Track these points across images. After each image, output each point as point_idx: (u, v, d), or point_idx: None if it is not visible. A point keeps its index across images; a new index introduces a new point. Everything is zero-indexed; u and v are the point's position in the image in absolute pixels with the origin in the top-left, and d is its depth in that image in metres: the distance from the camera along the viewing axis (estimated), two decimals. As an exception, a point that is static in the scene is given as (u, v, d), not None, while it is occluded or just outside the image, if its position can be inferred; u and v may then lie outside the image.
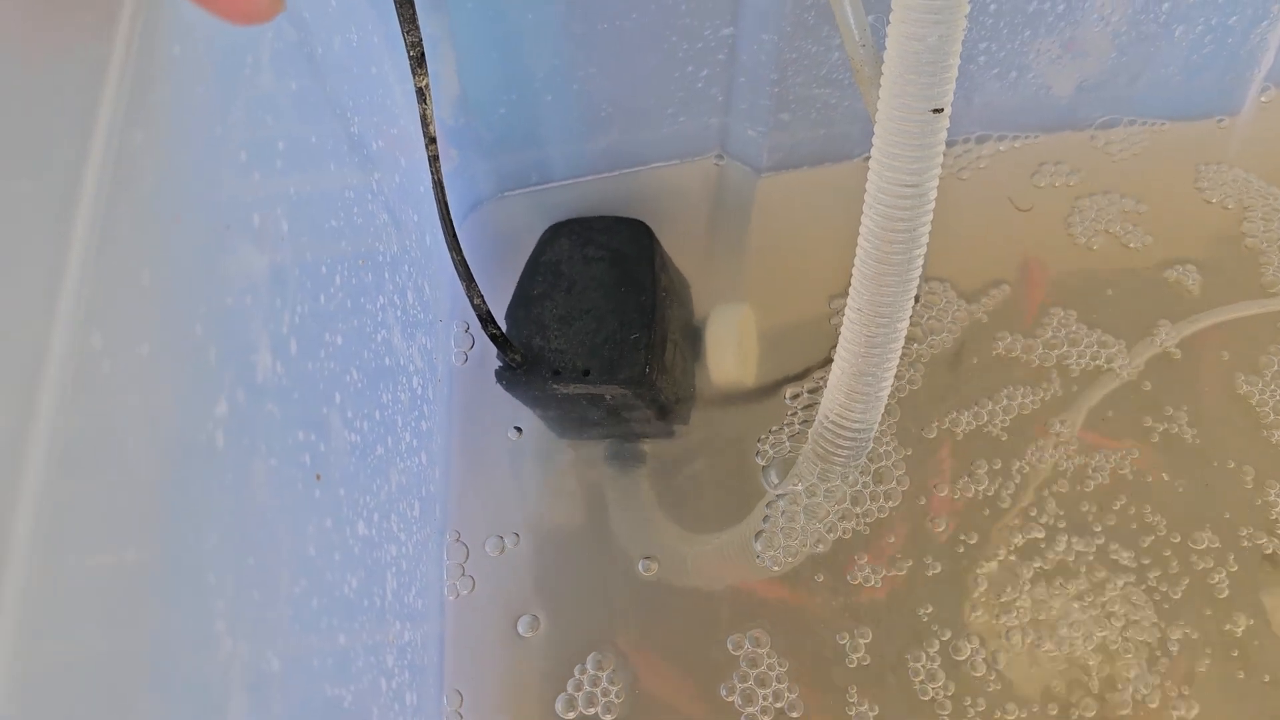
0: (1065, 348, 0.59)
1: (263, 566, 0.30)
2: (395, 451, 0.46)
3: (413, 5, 0.42)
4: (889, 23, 0.39)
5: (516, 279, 0.57)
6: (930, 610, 0.52)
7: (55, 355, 0.21)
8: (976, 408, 0.57)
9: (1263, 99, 0.67)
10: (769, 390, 0.60)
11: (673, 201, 0.65)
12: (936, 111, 0.40)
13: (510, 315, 0.56)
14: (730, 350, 0.61)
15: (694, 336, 0.61)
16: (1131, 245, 0.62)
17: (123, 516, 0.23)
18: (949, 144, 0.49)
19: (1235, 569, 0.52)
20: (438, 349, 0.57)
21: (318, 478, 0.34)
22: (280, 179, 0.34)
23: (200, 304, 0.27)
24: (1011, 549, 0.54)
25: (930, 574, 0.53)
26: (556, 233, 0.59)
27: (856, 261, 0.45)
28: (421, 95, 0.45)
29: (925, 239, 0.44)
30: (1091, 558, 0.53)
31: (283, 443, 0.31)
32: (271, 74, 0.34)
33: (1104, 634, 0.51)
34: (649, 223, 0.59)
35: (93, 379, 0.22)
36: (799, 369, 0.59)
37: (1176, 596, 0.52)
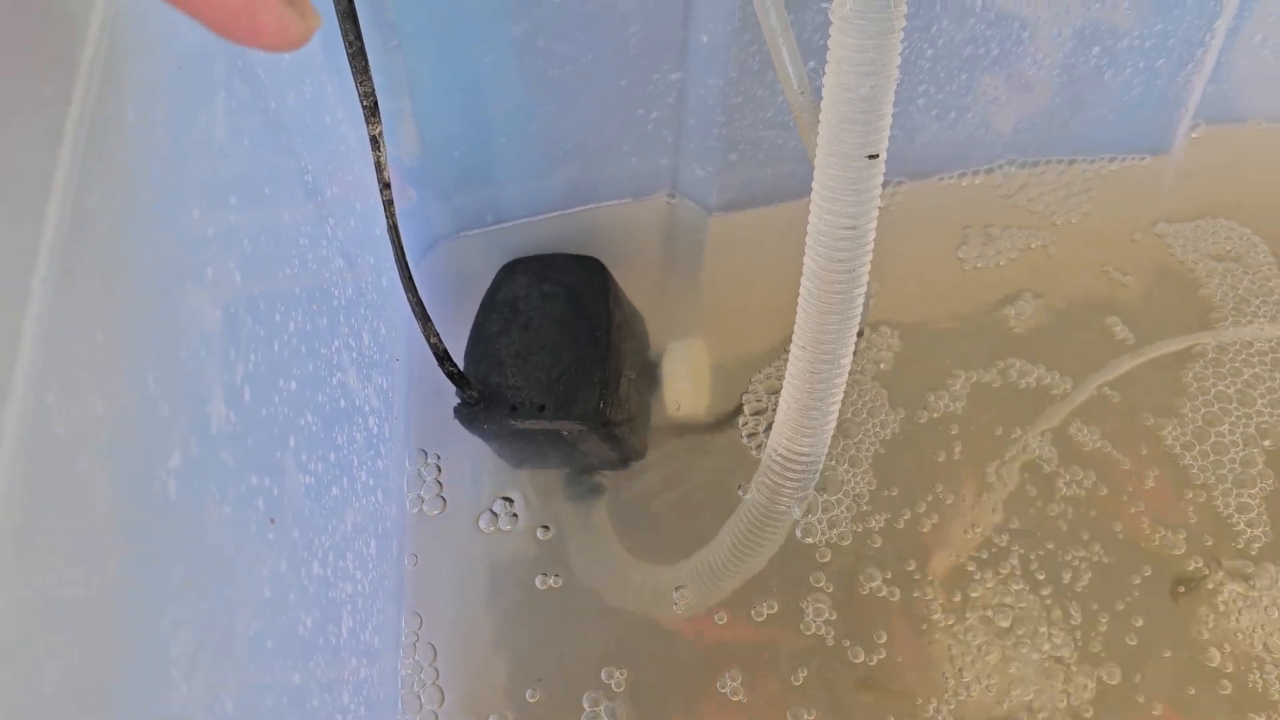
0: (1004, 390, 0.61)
1: (217, 611, 0.31)
2: (351, 491, 0.47)
3: (365, 57, 0.43)
4: (825, 73, 0.40)
5: (473, 316, 0.58)
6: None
7: (12, 415, 0.21)
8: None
9: (1194, 135, 0.70)
10: (723, 422, 0.61)
11: (626, 239, 0.66)
12: (872, 157, 0.42)
13: (468, 353, 0.57)
14: (685, 384, 0.62)
15: (649, 371, 0.63)
16: (1073, 280, 0.65)
17: (78, 569, 0.24)
18: (887, 182, 0.51)
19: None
20: (394, 388, 0.58)
21: (271, 522, 0.35)
22: (234, 231, 0.35)
23: (153, 358, 0.28)
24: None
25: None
26: (512, 270, 0.60)
27: (800, 301, 0.47)
28: (375, 143, 0.46)
29: (865, 278, 0.45)
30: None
31: (236, 489, 0.32)
32: (225, 130, 0.35)
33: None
34: (603, 260, 0.60)
35: (47, 437, 0.23)
36: (750, 402, 0.61)
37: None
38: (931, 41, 0.57)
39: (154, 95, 0.30)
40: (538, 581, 0.56)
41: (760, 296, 0.65)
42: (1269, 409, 0.59)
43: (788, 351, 0.49)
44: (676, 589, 0.55)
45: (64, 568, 0.24)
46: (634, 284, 0.62)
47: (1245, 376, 0.60)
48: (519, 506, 0.58)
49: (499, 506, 0.58)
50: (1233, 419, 0.59)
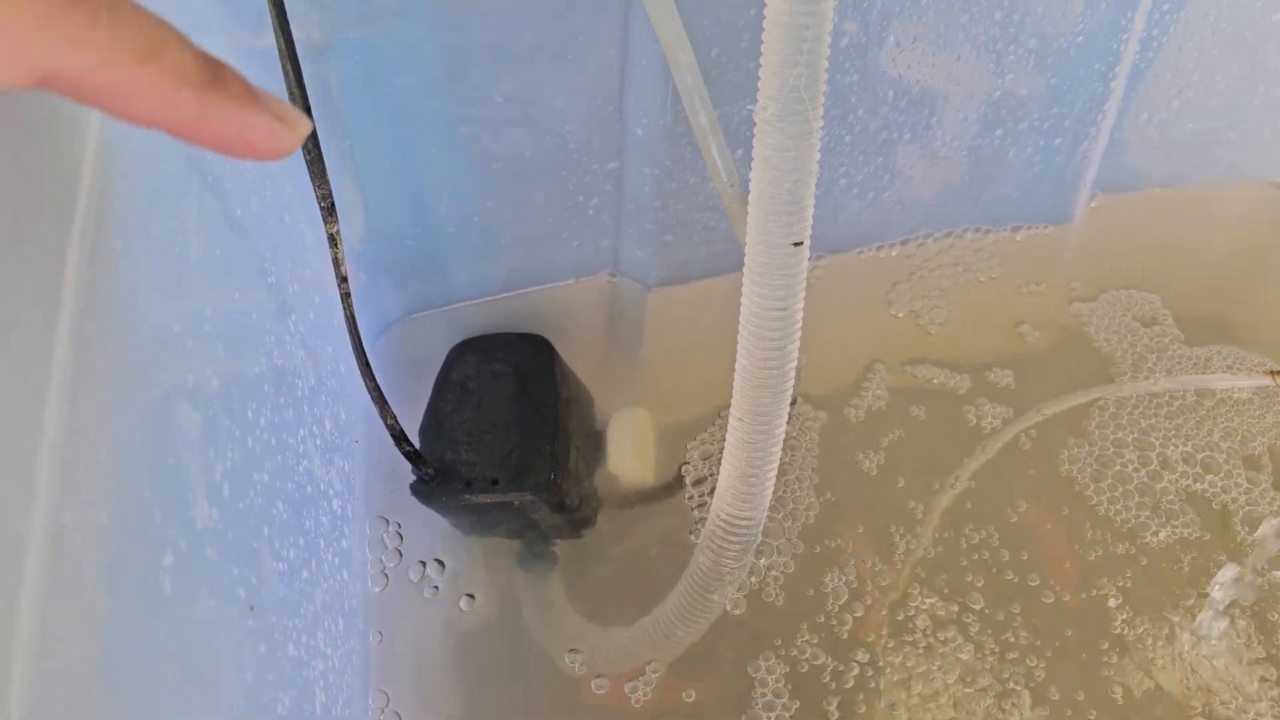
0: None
1: (208, 697, 0.33)
2: (319, 573, 0.49)
3: (323, 162, 0.46)
4: (751, 169, 0.44)
5: (427, 395, 0.61)
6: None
7: (35, 541, 0.24)
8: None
9: (1093, 205, 0.75)
10: (669, 488, 0.64)
11: (570, 317, 0.69)
12: (797, 245, 0.46)
13: (423, 432, 0.59)
14: (630, 453, 0.65)
15: (596, 442, 0.65)
16: (984, 342, 0.69)
17: (90, 667, 0.26)
18: (814, 258, 0.54)
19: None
20: (355, 469, 0.61)
21: (251, 609, 0.37)
22: (210, 340, 0.37)
23: (146, 468, 0.30)
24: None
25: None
26: (462, 351, 0.63)
27: (736, 376, 0.50)
28: (333, 240, 0.48)
29: (795, 353, 0.49)
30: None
31: (220, 581, 0.35)
32: (200, 246, 0.38)
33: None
34: (549, 337, 0.63)
35: (65, 552, 0.25)
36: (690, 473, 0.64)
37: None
38: (849, 128, 0.62)
39: (138, 224, 0.33)
40: (498, 647, 0.58)
41: (699, 366, 0.68)
42: (1165, 451, 0.64)
43: (721, 417, 0.52)
44: (629, 655, 0.58)
45: (73, 679, 0.26)
46: (579, 359, 0.65)
47: (1143, 425, 0.65)
48: (475, 575, 0.60)
49: (432, 569, 0.61)
50: (1125, 459, 0.64)
